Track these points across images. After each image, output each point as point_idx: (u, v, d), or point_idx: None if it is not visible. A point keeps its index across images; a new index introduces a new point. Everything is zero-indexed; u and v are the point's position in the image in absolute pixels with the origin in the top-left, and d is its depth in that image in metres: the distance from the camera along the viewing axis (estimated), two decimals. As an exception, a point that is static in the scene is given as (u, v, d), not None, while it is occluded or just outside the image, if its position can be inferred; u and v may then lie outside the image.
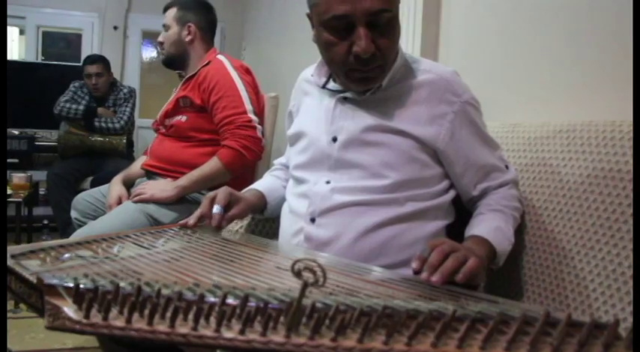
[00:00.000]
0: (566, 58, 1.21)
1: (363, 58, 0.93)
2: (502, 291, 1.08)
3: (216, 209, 1.06)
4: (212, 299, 0.59)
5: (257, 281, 0.69)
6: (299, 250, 1.02)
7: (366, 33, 0.92)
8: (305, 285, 0.52)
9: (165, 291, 0.60)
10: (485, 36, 1.50)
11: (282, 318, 0.55)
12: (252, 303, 0.57)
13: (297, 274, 0.53)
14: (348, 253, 0.97)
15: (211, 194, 1.10)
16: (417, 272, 0.78)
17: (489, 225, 0.96)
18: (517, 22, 1.37)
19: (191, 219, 1.07)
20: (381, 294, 0.68)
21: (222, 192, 1.10)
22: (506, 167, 1.08)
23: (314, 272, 0.52)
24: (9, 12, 3.62)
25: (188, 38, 2.00)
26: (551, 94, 1.25)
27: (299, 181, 1.12)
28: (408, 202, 1.01)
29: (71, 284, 0.62)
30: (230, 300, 0.58)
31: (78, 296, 0.60)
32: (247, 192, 1.22)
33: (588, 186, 0.95)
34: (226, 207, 1.08)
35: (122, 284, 0.62)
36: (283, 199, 1.21)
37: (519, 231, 1.06)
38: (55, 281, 0.63)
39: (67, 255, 0.81)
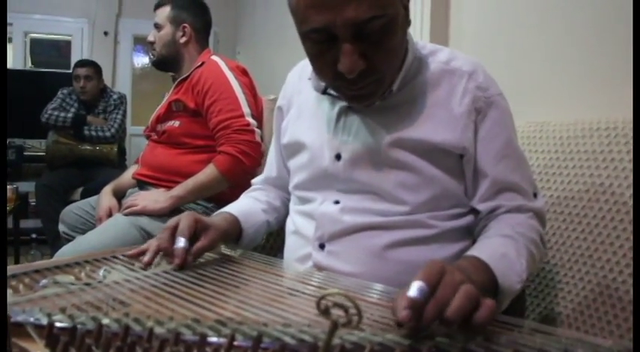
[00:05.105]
0: (601, 46, 1.08)
1: (349, 78, 0.77)
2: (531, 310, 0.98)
3: (180, 242, 0.83)
4: (216, 339, 0.49)
5: (268, 313, 0.58)
6: (312, 271, 0.87)
7: (351, 50, 0.74)
8: (335, 326, 0.41)
9: (158, 330, 0.50)
10: (503, 21, 1.37)
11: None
12: (265, 344, 0.47)
13: (325, 312, 0.42)
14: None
15: (172, 222, 0.87)
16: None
17: (494, 251, 0.75)
18: (542, 3, 1.25)
19: (147, 255, 0.83)
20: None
21: (186, 220, 0.86)
22: (535, 195, 0.88)
23: (346, 311, 0.41)
24: (-5, 18, 3.50)
25: (183, 39, 1.89)
26: (582, 88, 1.13)
27: (303, 200, 0.98)
28: (432, 221, 0.87)
29: (44, 323, 0.52)
30: (238, 341, 0.48)
31: (51, 338, 0.50)
32: (217, 215, 1.00)
33: (635, 190, 0.85)
34: (192, 238, 0.85)
35: (106, 321, 0.53)
36: (263, 225, 1.05)
37: (550, 244, 0.95)
38: (24, 319, 0.54)
39: (44, 281, 0.71)
